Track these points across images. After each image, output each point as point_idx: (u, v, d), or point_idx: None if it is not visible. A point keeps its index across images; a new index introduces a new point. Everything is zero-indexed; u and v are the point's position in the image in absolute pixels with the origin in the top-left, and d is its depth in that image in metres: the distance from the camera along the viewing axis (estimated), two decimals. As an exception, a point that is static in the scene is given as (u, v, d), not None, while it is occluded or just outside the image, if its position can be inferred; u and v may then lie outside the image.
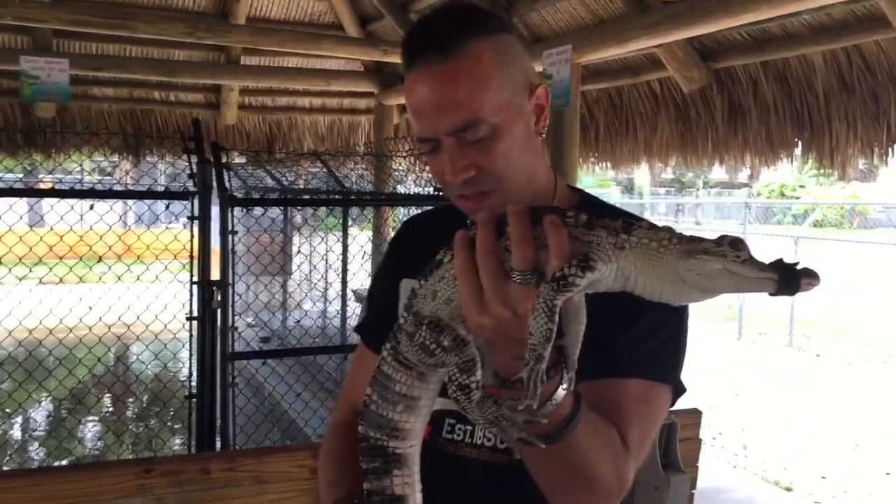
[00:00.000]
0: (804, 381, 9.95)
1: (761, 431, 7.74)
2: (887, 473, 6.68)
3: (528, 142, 1.32)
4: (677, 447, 3.07)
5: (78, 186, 7.64)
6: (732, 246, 0.90)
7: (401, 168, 6.61)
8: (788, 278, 0.87)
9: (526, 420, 0.96)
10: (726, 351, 11.84)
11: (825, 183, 34.69)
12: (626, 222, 0.96)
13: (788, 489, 6.17)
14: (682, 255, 0.91)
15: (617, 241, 0.94)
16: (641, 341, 1.27)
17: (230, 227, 4.41)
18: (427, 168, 5.56)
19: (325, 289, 7.14)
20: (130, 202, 8.61)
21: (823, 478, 6.54)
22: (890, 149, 5.00)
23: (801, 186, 36.03)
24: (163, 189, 6.81)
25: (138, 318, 5.08)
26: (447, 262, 1.00)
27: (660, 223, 1.19)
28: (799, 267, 0.87)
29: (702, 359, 10.55)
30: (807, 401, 8.94)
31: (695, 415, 3.31)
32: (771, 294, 0.89)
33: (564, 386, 0.99)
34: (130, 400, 7.35)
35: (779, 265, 0.88)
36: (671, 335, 1.32)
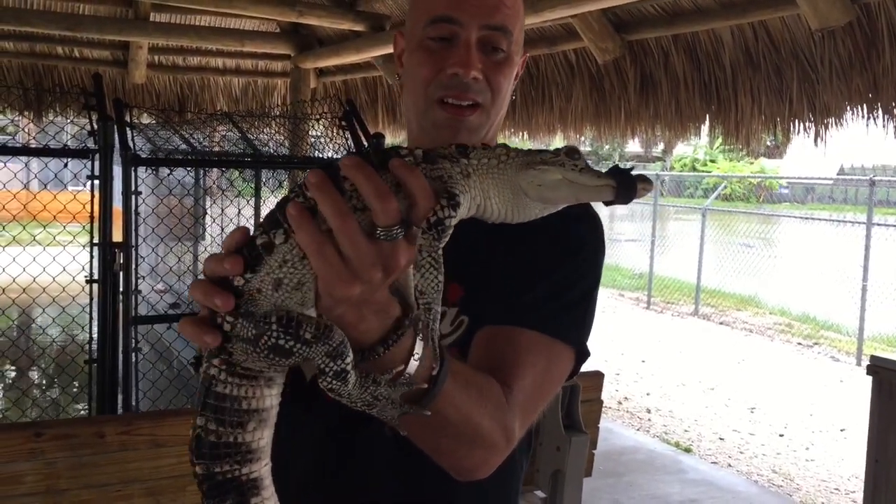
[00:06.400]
0: (707, 349, 10.35)
1: (665, 396, 8.02)
2: (780, 435, 7.02)
3: (509, 93, 1.37)
4: (579, 408, 3.15)
5: (-28, 143, 7.24)
6: (569, 155, 0.90)
7: (316, 132, 6.50)
8: (625, 185, 0.88)
9: (404, 390, 0.91)
10: (635, 318, 12.19)
11: (734, 158, 35.87)
12: (458, 147, 0.92)
13: (688, 450, 6.43)
14: (522, 168, 0.90)
15: (461, 168, 0.90)
16: (551, 297, 1.25)
17: (133, 188, 4.28)
18: (337, 132, 5.48)
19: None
20: (30, 162, 8.19)
21: (721, 439, 6.84)
22: (791, 124, 5.18)
23: (712, 161, 37.16)
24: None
25: (34, 280, 4.88)
26: (282, 244, 0.86)
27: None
28: (633, 173, 0.89)
29: (611, 326, 10.84)
30: (709, 367, 9.30)
31: (596, 377, 3.39)
32: (608, 202, 0.91)
33: (420, 336, 0.93)
34: (28, 365, 7.09)
35: (615, 172, 0.89)
36: (581, 297, 1.30)
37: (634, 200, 0.90)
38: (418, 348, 0.93)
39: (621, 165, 0.91)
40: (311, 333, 0.84)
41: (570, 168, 0.89)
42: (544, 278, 1.27)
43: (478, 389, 1.07)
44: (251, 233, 0.88)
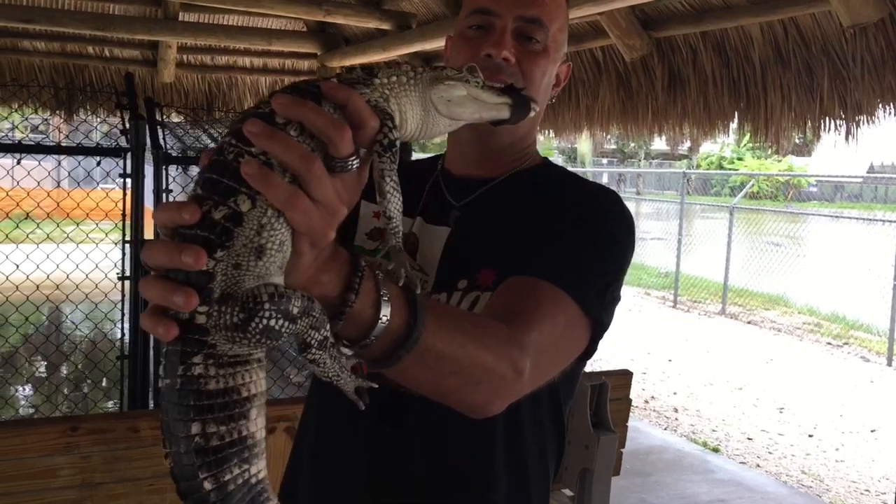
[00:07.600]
0: (735, 348, 10.26)
1: (692, 395, 7.97)
2: (810, 435, 6.95)
3: (548, 90, 1.42)
4: (608, 407, 3.15)
5: (5, 142, 7.37)
6: (470, 72, 0.93)
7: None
8: (519, 103, 0.94)
9: (354, 361, 0.89)
10: (661, 317, 12.11)
11: (762, 156, 35.52)
12: (364, 70, 0.89)
13: (716, 450, 6.38)
14: (432, 82, 0.92)
15: (379, 92, 0.89)
16: (581, 264, 1.27)
17: (164, 186, 4.33)
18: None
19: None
20: (63, 161, 8.30)
21: (750, 439, 6.78)
22: (822, 122, 5.12)
23: (739, 159, 36.83)
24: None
25: (68, 277, 4.96)
26: (251, 210, 0.78)
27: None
28: (524, 93, 0.95)
29: (637, 324, 10.78)
30: (736, 367, 9.22)
31: (625, 376, 3.39)
32: (500, 122, 0.95)
33: (381, 276, 0.90)
34: (61, 361, 7.20)
35: (510, 90, 0.95)
36: (609, 273, 1.30)
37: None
38: (384, 288, 0.89)
39: (522, 92, 0.97)
40: (299, 307, 0.79)
41: (473, 84, 0.93)
42: (576, 247, 1.29)
43: (472, 323, 1.06)
44: (199, 209, 0.78)
